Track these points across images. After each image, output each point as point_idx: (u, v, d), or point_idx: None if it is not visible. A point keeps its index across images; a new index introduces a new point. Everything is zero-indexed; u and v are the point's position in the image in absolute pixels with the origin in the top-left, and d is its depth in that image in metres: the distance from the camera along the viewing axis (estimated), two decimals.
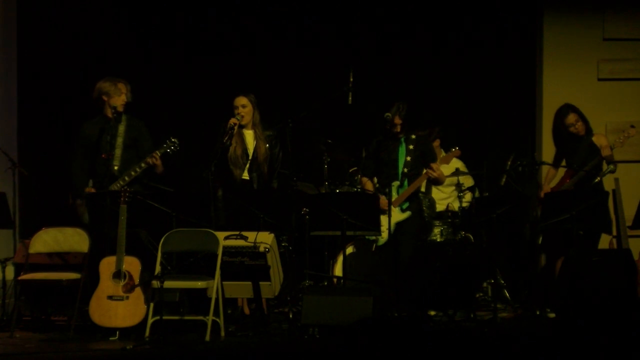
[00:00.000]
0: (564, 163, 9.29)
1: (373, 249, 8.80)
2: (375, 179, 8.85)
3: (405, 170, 8.73)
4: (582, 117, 9.16)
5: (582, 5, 10.44)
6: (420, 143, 8.79)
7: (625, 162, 9.67)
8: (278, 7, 10.46)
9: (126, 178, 8.89)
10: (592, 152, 9.10)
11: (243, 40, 10.53)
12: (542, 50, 10.49)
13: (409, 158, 8.72)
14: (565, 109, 9.19)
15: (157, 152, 8.88)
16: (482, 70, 10.43)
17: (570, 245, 8.76)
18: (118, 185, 8.85)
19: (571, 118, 9.13)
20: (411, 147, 8.74)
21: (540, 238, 9.38)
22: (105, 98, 9.01)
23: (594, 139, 9.18)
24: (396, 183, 8.64)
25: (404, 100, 8.73)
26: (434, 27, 10.50)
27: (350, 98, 9.19)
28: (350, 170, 9.68)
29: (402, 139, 8.76)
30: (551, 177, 9.36)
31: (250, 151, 8.97)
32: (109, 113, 8.98)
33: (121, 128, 9.02)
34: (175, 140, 8.89)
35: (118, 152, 8.96)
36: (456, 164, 9.67)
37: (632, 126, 9.10)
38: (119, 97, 8.98)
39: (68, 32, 10.39)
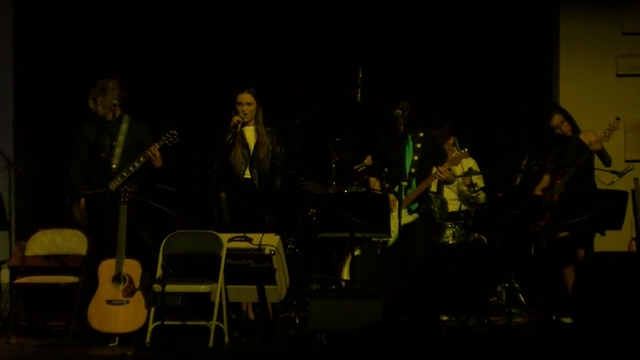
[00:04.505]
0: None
1: (378, 251, 8.76)
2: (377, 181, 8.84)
3: (413, 170, 8.66)
4: (567, 117, 9.07)
5: None
6: (429, 141, 8.72)
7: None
8: (286, 1, 10.43)
9: (124, 174, 8.86)
10: (580, 150, 8.97)
11: (248, 35, 10.48)
12: (558, 46, 10.43)
13: (416, 157, 8.66)
14: (550, 111, 9.13)
15: (156, 144, 8.86)
16: (496, 67, 10.38)
17: (574, 251, 8.78)
18: (116, 182, 8.81)
19: (556, 119, 9.05)
20: (419, 145, 8.68)
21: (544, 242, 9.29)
22: (99, 113, 9.00)
23: (581, 136, 9.07)
24: (404, 183, 8.57)
25: (411, 98, 8.68)
26: (447, 22, 10.43)
27: (359, 95, 9.14)
28: (359, 170, 9.61)
29: (409, 138, 8.70)
30: (547, 181, 9.22)
31: (251, 148, 8.96)
32: (109, 115, 8.95)
33: (123, 127, 9.03)
34: (175, 132, 8.88)
35: (118, 150, 8.96)
36: (469, 163, 9.59)
37: (618, 118, 8.98)
38: (104, 108, 8.91)
39: (64, 29, 10.36)
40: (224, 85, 9.66)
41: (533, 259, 9.47)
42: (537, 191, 9.13)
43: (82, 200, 8.89)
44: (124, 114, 9.00)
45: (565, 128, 9.03)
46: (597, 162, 9.02)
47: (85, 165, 8.96)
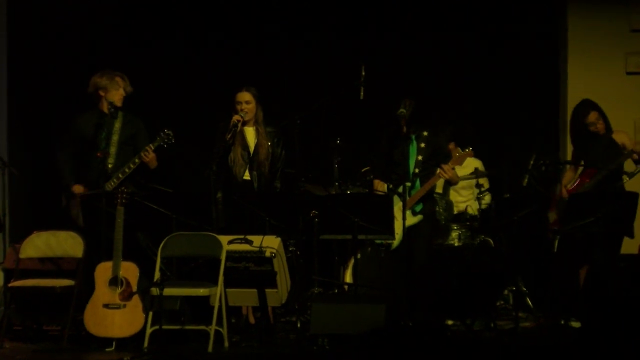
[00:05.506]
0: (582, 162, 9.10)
1: (382, 255, 8.73)
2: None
3: (417, 170, 8.59)
4: (602, 115, 8.94)
5: None
6: (433, 140, 8.66)
7: None
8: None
9: (120, 175, 8.82)
10: (611, 151, 8.87)
11: (248, 34, 10.46)
12: (566, 44, 10.40)
13: (420, 157, 8.59)
14: (585, 107, 8.96)
15: (151, 145, 8.82)
16: (503, 65, 10.36)
17: (591, 252, 8.65)
18: (112, 183, 8.77)
19: (592, 116, 8.90)
20: (423, 145, 8.61)
21: (556, 244, 9.22)
22: (102, 93, 8.94)
23: (613, 136, 8.95)
24: (408, 184, 8.48)
25: (416, 97, 8.62)
26: (452, 19, 10.40)
27: (362, 93, 9.04)
28: (362, 170, 9.57)
29: (413, 137, 8.63)
30: (569, 178, 9.16)
31: (251, 149, 8.91)
32: (105, 108, 8.92)
33: (117, 124, 8.96)
34: (170, 133, 8.82)
35: (113, 149, 8.92)
36: (475, 164, 9.56)
37: None
38: (116, 91, 8.93)
39: (59, 25, 10.34)
40: (224, 85, 9.62)
41: (540, 261, 9.47)
42: (563, 187, 9.00)
43: (77, 199, 8.83)
44: (119, 110, 8.91)
45: (600, 126, 8.89)
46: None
47: (73, 159, 8.88)
